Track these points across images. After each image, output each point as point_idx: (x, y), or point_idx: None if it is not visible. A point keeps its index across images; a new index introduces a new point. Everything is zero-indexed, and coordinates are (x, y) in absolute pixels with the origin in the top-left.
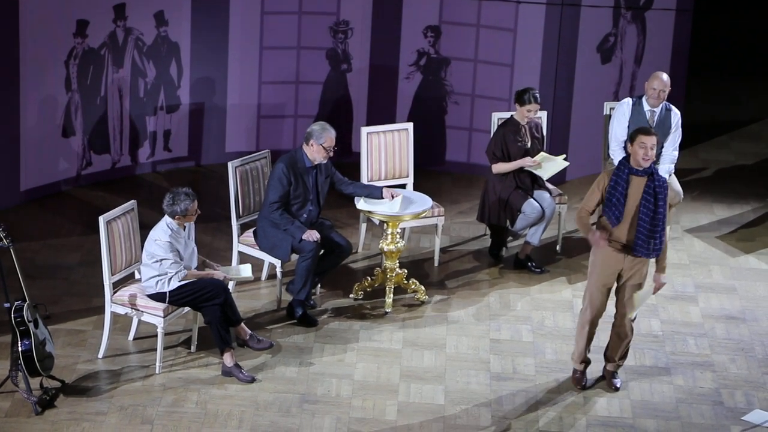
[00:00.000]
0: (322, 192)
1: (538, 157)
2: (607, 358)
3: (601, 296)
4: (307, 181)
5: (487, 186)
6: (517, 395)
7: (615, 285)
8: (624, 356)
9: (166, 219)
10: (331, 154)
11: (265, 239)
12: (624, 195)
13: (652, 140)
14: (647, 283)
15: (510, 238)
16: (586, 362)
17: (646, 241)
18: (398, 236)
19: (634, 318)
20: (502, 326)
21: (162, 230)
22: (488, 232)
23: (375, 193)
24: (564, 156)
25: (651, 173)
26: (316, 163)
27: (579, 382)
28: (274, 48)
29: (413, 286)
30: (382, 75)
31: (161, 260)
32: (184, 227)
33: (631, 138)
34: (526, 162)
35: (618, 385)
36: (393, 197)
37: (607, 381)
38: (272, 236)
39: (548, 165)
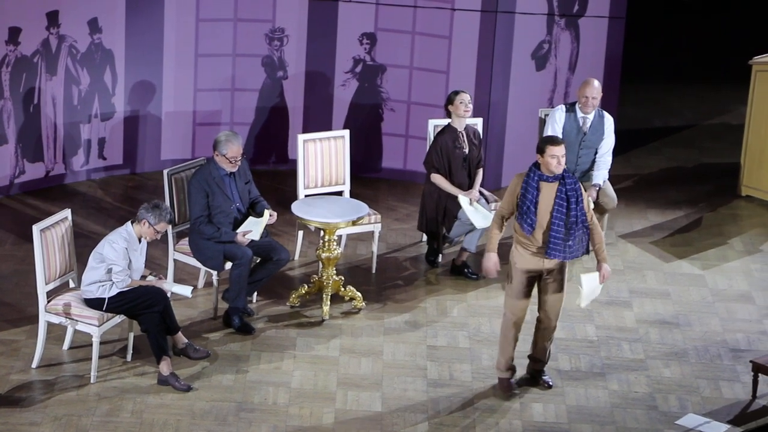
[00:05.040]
0: (245, 197)
1: (473, 203)
2: (535, 359)
3: (523, 299)
4: (225, 190)
5: (425, 194)
6: (453, 401)
7: (536, 287)
8: (549, 356)
9: (128, 226)
10: (238, 164)
11: (198, 252)
12: (534, 203)
13: (561, 149)
14: (592, 278)
15: (446, 244)
16: (513, 369)
17: (562, 244)
18: (335, 243)
19: (584, 305)
20: (438, 333)
21: (120, 235)
22: (425, 238)
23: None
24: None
25: (562, 177)
26: (227, 171)
27: (510, 388)
28: (209, 55)
29: (350, 294)
30: (318, 82)
31: (111, 265)
32: (140, 240)
33: (541, 150)
34: (461, 194)
35: (551, 383)
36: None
37: (538, 381)
38: (204, 249)
39: (481, 213)
